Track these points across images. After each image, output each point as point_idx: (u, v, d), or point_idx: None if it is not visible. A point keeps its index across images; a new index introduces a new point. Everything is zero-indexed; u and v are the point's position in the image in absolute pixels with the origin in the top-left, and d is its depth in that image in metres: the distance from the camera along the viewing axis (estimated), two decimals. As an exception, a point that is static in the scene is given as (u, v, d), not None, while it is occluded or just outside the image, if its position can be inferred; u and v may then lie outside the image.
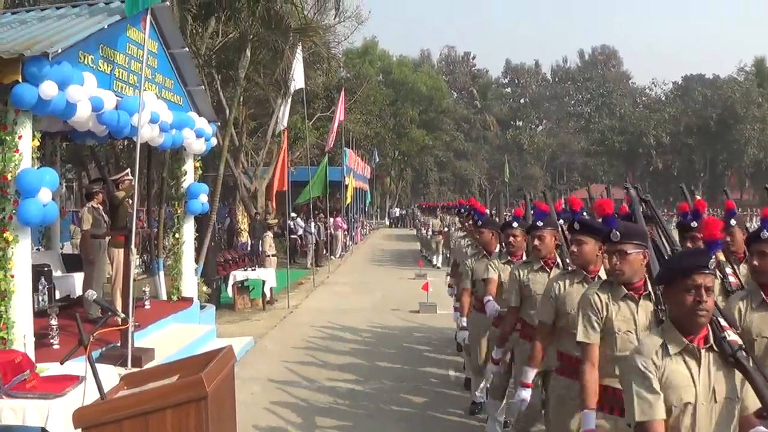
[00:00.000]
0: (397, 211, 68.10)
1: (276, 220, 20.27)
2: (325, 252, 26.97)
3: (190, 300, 12.49)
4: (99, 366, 8.30)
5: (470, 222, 9.15)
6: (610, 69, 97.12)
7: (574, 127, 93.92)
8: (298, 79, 18.01)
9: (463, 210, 10.08)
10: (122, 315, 4.82)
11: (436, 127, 69.95)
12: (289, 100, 18.58)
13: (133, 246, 8.77)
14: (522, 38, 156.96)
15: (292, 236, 24.80)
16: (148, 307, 11.69)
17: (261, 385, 9.46)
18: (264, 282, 16.39)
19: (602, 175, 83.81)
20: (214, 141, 13.06)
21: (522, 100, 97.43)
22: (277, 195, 19.72)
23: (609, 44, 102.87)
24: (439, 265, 25.44)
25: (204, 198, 12.75)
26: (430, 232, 27.33)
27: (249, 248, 23.77)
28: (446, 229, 24.47)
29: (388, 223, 66.00)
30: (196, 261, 13.29)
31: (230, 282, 16.12)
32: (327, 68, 29.72)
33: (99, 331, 4.68)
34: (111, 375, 7.96)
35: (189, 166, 12.67)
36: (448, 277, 11.44)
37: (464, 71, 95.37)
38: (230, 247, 23.83)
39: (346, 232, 32.68)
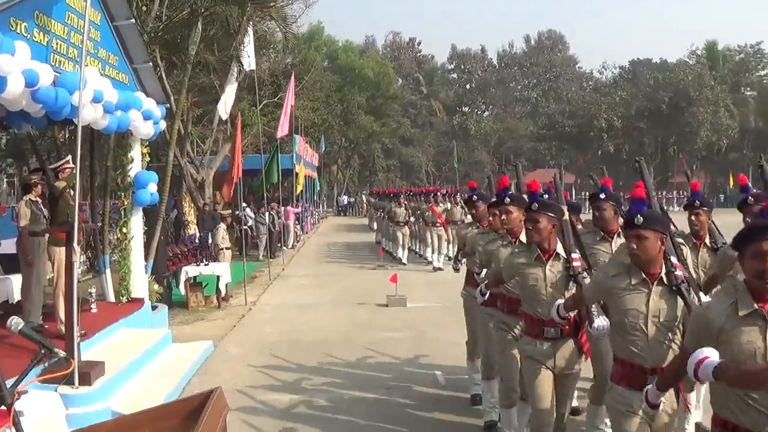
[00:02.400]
0: (345, 199, 66.94)
1: (228, 211, 19.07)
2: (278, 243, 25.78)
3: (140, 301, 11.33)
4: (38, 391, 7.14)
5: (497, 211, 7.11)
6: (556, 54, 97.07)
7: (520, 112, 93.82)
8: (251, 58, 16.84)
9: (475, 197, 7.93)
10: (62, 353, 3.49)
11: (383, 113, 68.77)
12: (236, 83, 17.37)
13: (75, 244, 7.59)
14: (468, 23, 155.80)
15: (243, 227, 23.57)
16: (94, 310, 10.57)
17: (228, 396, 8.23)
18: (219, 277, 15.20)
19: (550, 160, 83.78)
20: (163, 124, 11.89)
21: (468, 86, 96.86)
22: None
23: (555, 29, 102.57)
24: (405, 261, 22.50)
25: (153, 188, 11.58)
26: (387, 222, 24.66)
27: (197, 241, 22.54)
28: (412, 219, 23.33)
29: (336, 211, 64.82)
30: (146, 257, 12.06)
31: (182, 278, 14.94)
32: (284, 45, 28.43)
33: (24, 385, 3.42)
34: (53, 404, 6.82)
35: (136, 152, 11.49)
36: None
37: (410, 57, 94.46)
38: (178, 241, 22.55)
39: (297, 222, 31.53)
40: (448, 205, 22.38)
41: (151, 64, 11.41)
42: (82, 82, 7.66)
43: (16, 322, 3.41)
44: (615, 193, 6.73)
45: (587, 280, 5.19)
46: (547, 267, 5.37)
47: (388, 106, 69.50)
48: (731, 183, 62.47)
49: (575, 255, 5.40)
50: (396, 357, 10.38)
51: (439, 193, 23.25)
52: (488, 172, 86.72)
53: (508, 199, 6.25)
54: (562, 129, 72.21)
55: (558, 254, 5.42)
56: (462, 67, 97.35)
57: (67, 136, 29.81)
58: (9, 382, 3.16)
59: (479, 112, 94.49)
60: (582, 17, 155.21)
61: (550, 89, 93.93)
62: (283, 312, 14.38)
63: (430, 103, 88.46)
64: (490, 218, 6.93)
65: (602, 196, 6.33)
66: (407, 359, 10.25)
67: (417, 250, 24.16)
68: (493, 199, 7.23)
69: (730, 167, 61.93)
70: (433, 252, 21.36)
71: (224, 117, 17.97)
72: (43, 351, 3.40)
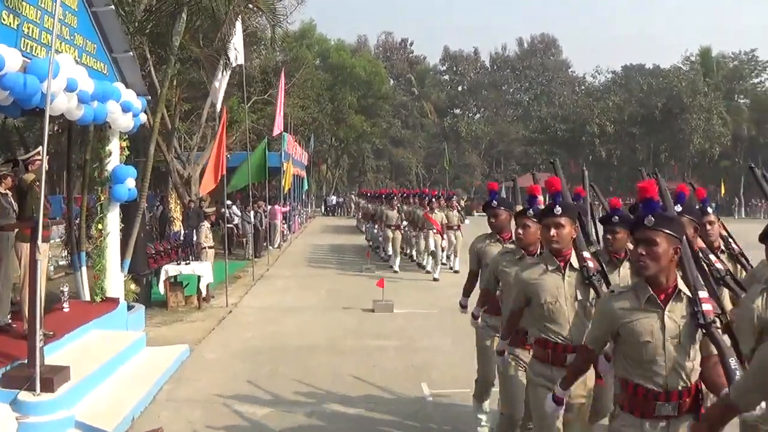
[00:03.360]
0: (333, 199, 66.40)
1: (213, 209, 18.61)
2: (264, 243, 25.26)
3: (115, 301, 10.86)
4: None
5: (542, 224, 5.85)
6: (549, 57, 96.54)
7: (512, 116, 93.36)
8: (239, 51, 16.35)
9: (495, 202, 6.65)
10: None
11: (374, 113, 68.18)
12: (228, 74, 16.82)
13: (40, 241, 7.09)
14: (461, 25, 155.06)
15: (228, 225, 23.11)
16: (66, 309, 10.06)
17: (202, 408, 7.83)
18: (200, 277, 14.69)
19: (540, 164, 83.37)
20: (143, 117, 11.37)
21: (460, 88, 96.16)
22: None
23: (548, 32, 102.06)
24: (397, 268, 20.75)
25: (131, 183, 11.10)
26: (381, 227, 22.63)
27: (182, 238, 22.07)
28: (404, 222, 21.72)
29: (324, 211, 64.21)
30: (123, 255, 11.56)
31: (162, 277, 14.43)
32: (272, 38, 27.97)
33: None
34: (2, 416, 6.34)
35: (114, 145, 11.01)
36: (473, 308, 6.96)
37: (401, 58, 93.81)
38: (162, 237, 22.05)
39: (284, 222, 31.00)
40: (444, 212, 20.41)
41: (131, 53, 10.89)
42: (51, 68, 7.16)
43: None
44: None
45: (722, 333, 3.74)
46: (666, 313, 3.76)
47: (379, 106, 68.90)
48: (723, 191, 62.32)
49: (703, 294, 3.81)
50: (382, 367, 9.89)
51: (434, 198, 21.08)
52: (478, 175, 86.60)
53: (559, 209, 4.78)
54: (554, 133, 71.86)
55: (680, 292, 3.79)
56: (454, 69, 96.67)
57: (55, 128, 29.22)
58: None
59: (470, 115, 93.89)
60: (575, 21, 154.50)
61: (542, 93, 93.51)
62: (265, 315, 13.88)
63: (422, 105, 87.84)
64: (519, 231, 5.67)
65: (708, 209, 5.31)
66: (394, 370, 9.76)
67: (412, 255, 22.85)
68: (519, 207, 6.58)
69: (722, 175, 61.81)
70: (425, 260, 19.88)
71: (218, 106, 17.36)
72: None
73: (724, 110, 65.88)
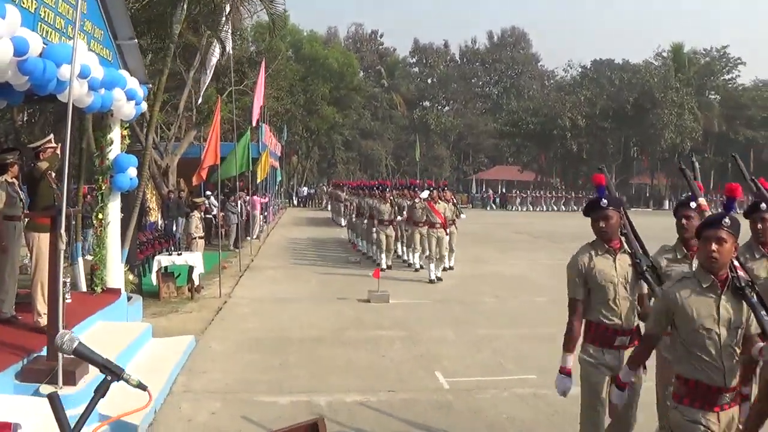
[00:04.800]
0: (305, 190, 66.25)
1: (202, 198, 18.41)
2: (245, 235, 25.11)
3: (117, 292, 10.71)
4: (18, 398, 6.51)
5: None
6: (519, 51, 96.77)
7: (481, 108, 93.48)
8: (228, 41, 16.25)
9: (605, 201, 5.12)
10: (135, 380, 2.52)
11: (346, 104, 67.88)
12: (214, 64, 16.64)
13: (62, 231, 6.94)
14: (431, 18, 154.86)
15: (207, 216, 22.94)
16: (69, 301, 9.82)
17: (222, 400, 7.73)
18: (191, 268, 14.57)
19: (509, 157, 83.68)
20: (144, 106, 11.23)
21: (430, 80, 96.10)
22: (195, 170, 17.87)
23: (519, 26, 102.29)
24: (385, 265, 18.82)
25: (133, 172, 10.99)
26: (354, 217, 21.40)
27: (163, 229, 21.90)
28: (399, 217, 19.71)
29: (296, 202, 63.92)
30: (121, 245, 11.39)
31: (155, 268, 14.29)
32: (270, 27, 27.67)
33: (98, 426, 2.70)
34: (35, 409, 6.18)
35: (116, 134, 10.85)
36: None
37: (371, 49, 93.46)
38: (139, 228, 21.83)
39: (262, 212, 30.82)
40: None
41: (136, 41, 10.73)
42: (75, 54, 7.01)
43: (69, 338, 2.50)
44: None
45: None
46: None
47: (351, 97, 68.62)
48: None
49: None
50: (391, 357, 9.87)
51: (432, 188, 19.07)
52: (447, 167, 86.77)
53: None
54: (525, 126, 71.87)
55: None
56: (424, 61, 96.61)
57: (24, 119, 28.79)
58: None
59: (440, 107, 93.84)
60: (545, 16, 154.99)
61: (511, 86, 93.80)
62: (261, 306, 13.79)
63: (391, 96, 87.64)
64: (713, 247, 4.07)
65: None
66: (404, 359, 9.76)
67: (402, 254, 20.78)
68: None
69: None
70: (431, 259, 17.35)
71: (201, 94, 17.21)
72: (109, 378, 2.50)
73: (695, 105, 66.40)
